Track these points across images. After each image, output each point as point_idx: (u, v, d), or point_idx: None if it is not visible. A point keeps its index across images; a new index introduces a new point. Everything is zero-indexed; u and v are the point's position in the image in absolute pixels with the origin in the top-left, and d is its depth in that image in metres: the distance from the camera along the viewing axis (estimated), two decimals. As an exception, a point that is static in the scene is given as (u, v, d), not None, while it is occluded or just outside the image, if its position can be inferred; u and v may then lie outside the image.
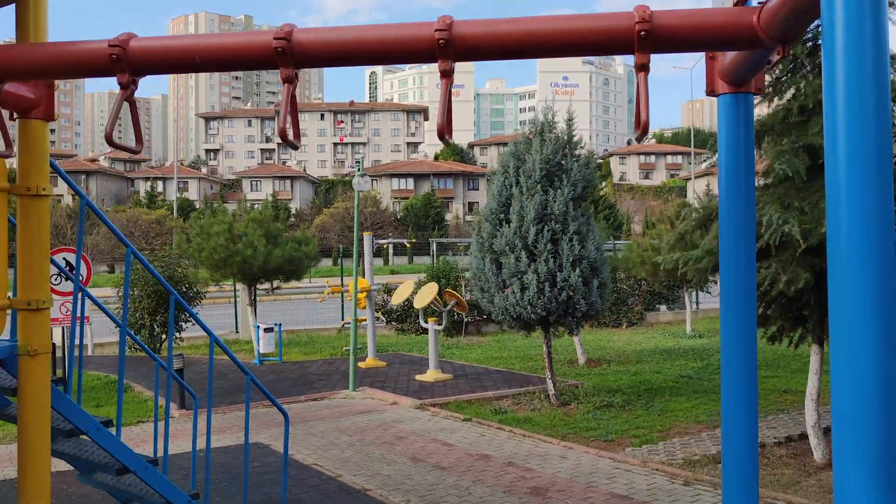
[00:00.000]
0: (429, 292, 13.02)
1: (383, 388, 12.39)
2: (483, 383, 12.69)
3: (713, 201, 7.92)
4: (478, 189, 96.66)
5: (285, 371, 14.83)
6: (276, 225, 17.88)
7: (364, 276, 15.38)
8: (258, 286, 20.59)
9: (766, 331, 8.29)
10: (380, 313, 21.30)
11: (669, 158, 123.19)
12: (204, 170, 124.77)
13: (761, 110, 7.74)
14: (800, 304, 7.35)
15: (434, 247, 32.52)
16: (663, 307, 25.66)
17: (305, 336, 22.30)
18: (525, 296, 10.37)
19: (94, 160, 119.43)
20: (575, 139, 11.10)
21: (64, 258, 11.45)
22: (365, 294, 14.88)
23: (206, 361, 16.63)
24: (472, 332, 22.58)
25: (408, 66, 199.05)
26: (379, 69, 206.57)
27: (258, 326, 15.82)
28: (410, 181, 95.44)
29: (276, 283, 18.59)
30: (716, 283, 21.54)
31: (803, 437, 8.62)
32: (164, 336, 19.20)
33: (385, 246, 24.45)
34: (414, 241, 19.66)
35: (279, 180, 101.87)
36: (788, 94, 7.52)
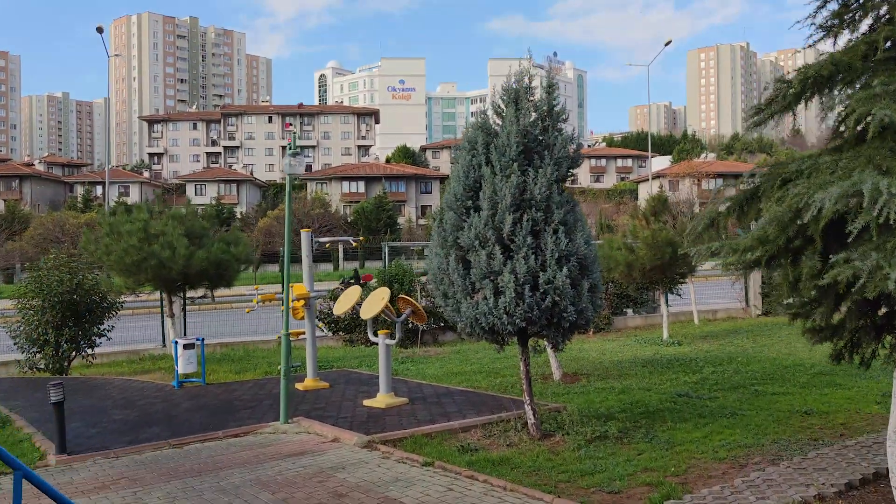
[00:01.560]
0: (379, 299, 10.77)
1: (323, 419, 10.09)
2: (445, 409, 10.48)
3: (758, 175, 5.86)
4: (431, 192, 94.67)
5: (207, 396, 12.41)
6: (200, 223, 15.45)
7: (303, 282, 13.06)
8: (183, 294, 18.12)
9: (834, 344, 6.24)
10: (321, 324, 18.95)
11: (619, 162, 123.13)
12: (146, 174, 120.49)
13: (822, 48, 5.71)
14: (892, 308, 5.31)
15: (386, 250, 30.30)
16: (630, 311, 23.81)
17: (242, 350, 19.81)
18: (500, 302, 8.20)
19: (29, 164, 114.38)
20: (557, 109, 8.99)
21: None
22: (303, 302, 12.55)
23: (122, 383, 14.12)
24: (428, 342, 20.37)
25: (358, 68, 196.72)
26: (328, 71, 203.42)
27: (176, 342, 13.36)
28: (361, 184, 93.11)
29: (202, 291, 16.12)
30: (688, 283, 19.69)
31: (868, 479, 6.63)
32: (72, 354, 16.60)
33: (329, 246, 22.07)
34: (362, 239, 17.38)
35: (225, 184, 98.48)
36: (864, 25, 5.51)
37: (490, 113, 9.14)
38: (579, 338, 20.09)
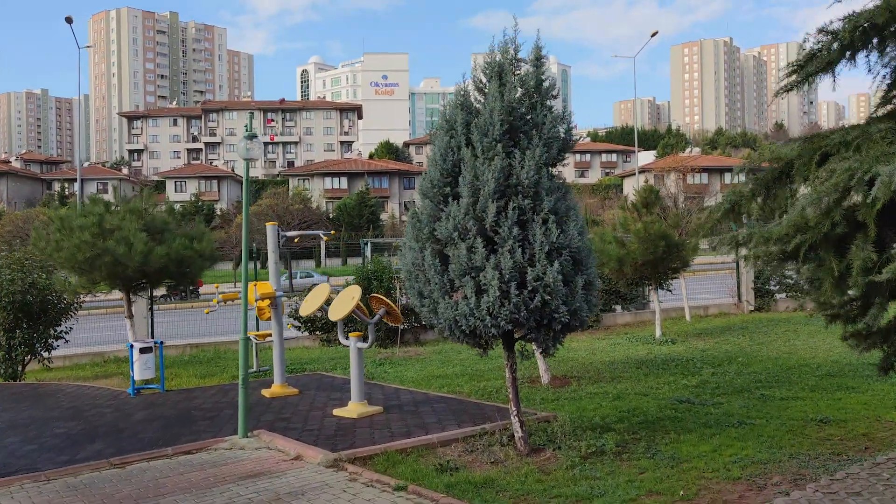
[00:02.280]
0: (349, 299, 9.73)
1: (287, 432, 9.06)
2: (423, 419, 9.47)
3: (789, 148, 4.88)
4: (414, 188, 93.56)
5: (164, 405, 11.34)
6: (161, 217, 14.34)
7: (269, 280, 12.02)
8: (151, 293, 17.00)
9: (885, 352, 5.27)
10: (290, 325, 17.89)
11: (604, 157, 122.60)
12: (126, 170, 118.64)
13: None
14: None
15: (369, 248, 29.19)
16: (619, 307, 22.91)
17: (213, 351, 18.74)
18: (482, 302, 7.21)
19: (6, 161, 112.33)
20: (546, 84, 7.99)
21: None
22: (268, 302, 11.51)
23: (75, 390, 13.03)
24: (409, 342, 19.37)
25: (340, 63, 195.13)
26: (311, 66, 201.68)
27: (131, 346, 12.27)
28: (344, 180, 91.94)
29: (163, 290, 15.02)
30: (679, 278, 18.76)
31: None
32: (27, 357, 15.45)
33: (298, 241, 20.85)
34: (333, 232, 16.26)
35: (205, 181, 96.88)
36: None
37: (471, 89, 8.15)
38: (568, 336, 19.12)
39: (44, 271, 15.34)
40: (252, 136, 8.59)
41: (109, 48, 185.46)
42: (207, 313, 12.17)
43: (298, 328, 19.14)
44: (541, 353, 7.78)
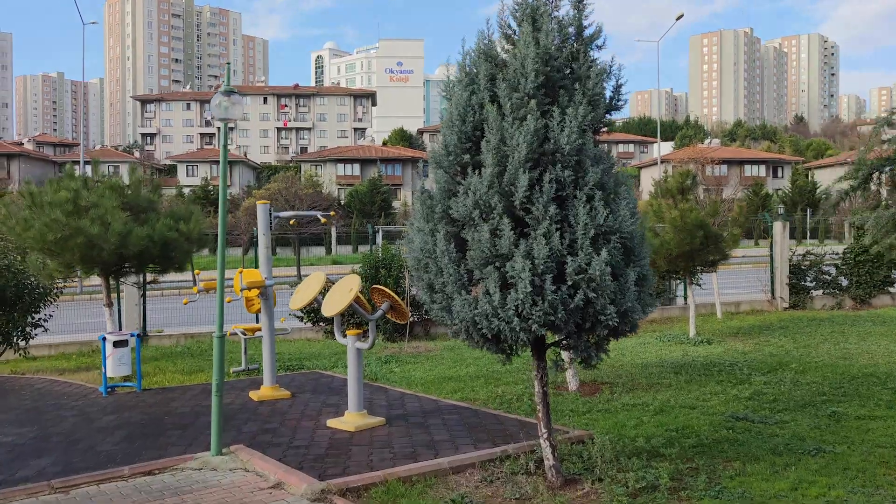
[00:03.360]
0: (346, 291, 8.22)
1: (269, 449, 7.58)
2: (432, 435, 7.98)
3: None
4: (427, 176, 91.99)
5: (135, 408, 9.89)
6: (146, 195, 12.87)
7: (260, 266, 10.55)
8: (143, 278, 15.59)
9: None
10: (295, 313, 16.49)
11: (621, 147, 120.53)
12: (138, 154, 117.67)
13: None
14: None
15: (380, 235, 27.72)
16: (644, 303, 21.26)
17: (207, 342, 17.31)
18: (509, 299, 5.69)
19: (19, 143, 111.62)
20: (590, 30, 6.45)
21: None
22: (256, 292, 10.04)
23: (45, 386, 11.64)
24: (419, 335, 17.88)
25: (355, 49, 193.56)
26: (325, 52, 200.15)
27: (104, 338, 10.84)
28: (356, 167, 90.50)
29: (149, 277, 13.58)
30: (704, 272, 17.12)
31: None
32: (1, 347, 14.06)
33: (293, 222, 19.37)
34: (333, 214, 14.67)
35: (216, 165, 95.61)
36: None
37: (497, 37, 6.60)
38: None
39: (19, 253, 13.96)
40: (229, 92, 7.09)
41: (124, 31, 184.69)
42: (186, 304, 10.76)
43: (300, 318, 17.72)
44: (582, 363, 6.26)
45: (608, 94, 6.45)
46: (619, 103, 6.57)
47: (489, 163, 5.87)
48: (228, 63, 7.10)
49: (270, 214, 10.26)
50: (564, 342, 6.22)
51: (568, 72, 6.34)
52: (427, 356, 14.26)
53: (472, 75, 6.40)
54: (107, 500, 6.33)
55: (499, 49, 6.57)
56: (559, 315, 5.68)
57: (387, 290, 8.33)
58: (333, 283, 8.92)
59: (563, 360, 6.45)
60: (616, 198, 5.97)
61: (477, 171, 5.98)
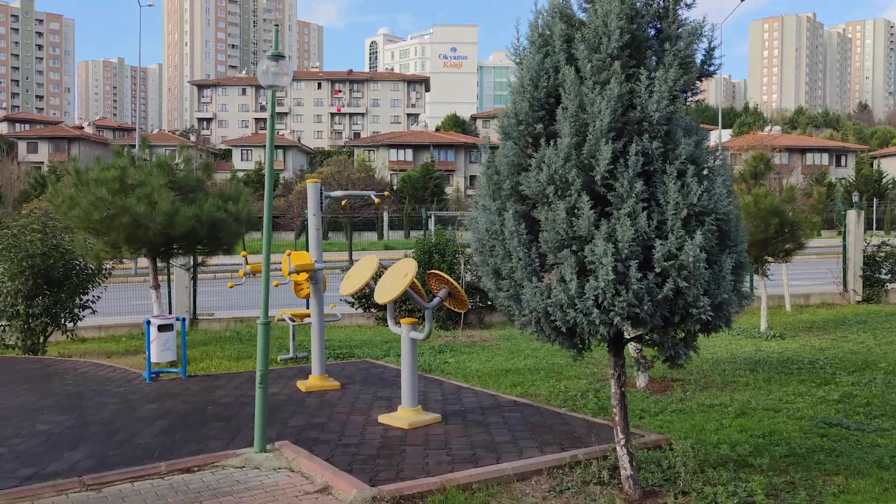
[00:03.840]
0: (400, 276, 7.59)
1: (316, 446, 7.01)
2: (493, 435, 7.31)
3: None
4: (479, 162, 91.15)
5: (178, 396, 9.44)
6: (195, 174, 12.44)
7: (310, 249, 9.99)
8: (193, 259, 15.20)
9: None
10: (346, 298, 15.99)
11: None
12: (194, 138, 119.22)
13: None
14: None
15: (432, 221, 27.14)
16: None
17: (256, 327, 16.93)
18: (587, 287, 4.98)
19: (79, 127, 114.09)
20: (680, -16, 5.65)
21: None
22: (305, 276, 9.48)
23: (89, 370, 11.32)
24: (472, 323, 17.25)
25: (409, 35, 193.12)
26: (379, 38, 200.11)
27: (148, 322, 10.44)
28: (409, 152, 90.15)
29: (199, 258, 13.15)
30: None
31: None
32: (48, 328, 13.83)
33: (345, 203, 18.71)
34: (386, 194, 14.16)
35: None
36: None
37: (573, -3, 5.85)
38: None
39: (68, 233, 13.69)
40: (277, 56, 6.48)
41: (182, 17, 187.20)
42: (231, 287, 10.29)
43: (351, 304, 17.23)
44: (666, 362, 5.52)
45: (699, 57, 5.67)
46: (711, 68, 5.77)
47: (566, 132, 5.15)
48: (277, 25, 6.50)
49: (321, 194, 9.68)
50: (648, 338, 5.48)
51: (654, 32, 5.58)
52: (482, 346, 13.61)
53: (545, 36, 5.67)
54: (140, 500, 5.83)
55: (575, 7, 5.83)
56: (645, 307, 4.95)
57: (445, 275, 7.68)
58: (386, 269, 8.31)
59: (645, 357, 5.70)
60: (714, 173, 5.20)
61: (552, 142, 5.27)
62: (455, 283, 7.65)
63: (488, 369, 11.15)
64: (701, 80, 5.75)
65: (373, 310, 17.74)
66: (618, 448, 5.81)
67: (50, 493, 5.95)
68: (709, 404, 8.65)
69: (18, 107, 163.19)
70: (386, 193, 11.16)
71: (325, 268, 9.95)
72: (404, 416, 7.74)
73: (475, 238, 5.74)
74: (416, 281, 7.86)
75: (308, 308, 14.13)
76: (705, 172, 5.25)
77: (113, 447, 7.16)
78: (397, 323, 7.98)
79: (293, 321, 11.70)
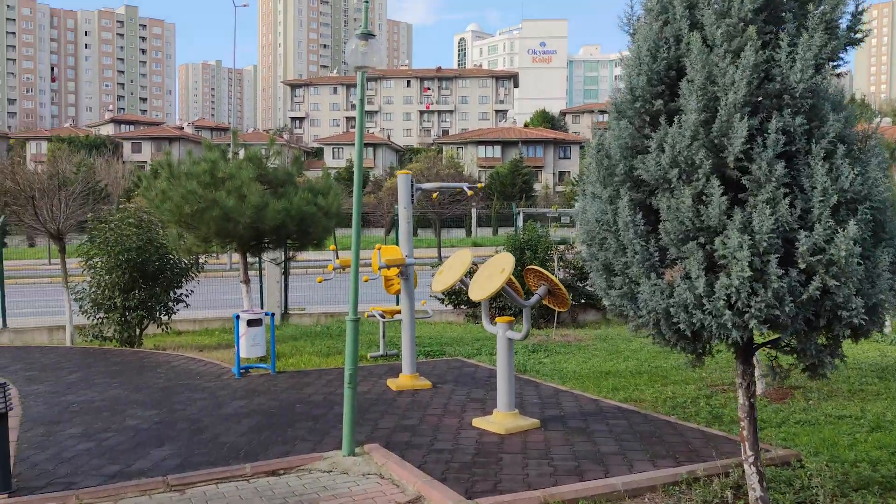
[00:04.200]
0: (497, 272, 7.08)
1: (408, 451, 6.58)
2: (598, 444, 6.72)
3: None
4: (570, 158, 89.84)
5: (267, 393, 9.21)
6: (284, 168, 12.26)
7: (400, 244, 9.60)
8: (285, 253, 15.14)
9: None
10: (436, 295, 15.60)
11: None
12: (286, 137, 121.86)
13: None
14: None
15: (521, 218, 26.59)
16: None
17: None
18: (718, 286, 4.34)
19: (179, 127, 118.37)
20: (823, -61, 4.93)
21: None
22: (396, 271, 9.09)
23: (182, 364, 11.28)
24: (565, 321, 16.60)
25: (498, 31, 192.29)
26: (468, 34, 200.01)
27: (238, 317, 10.27)
28: (497, 149, 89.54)
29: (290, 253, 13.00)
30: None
31: None
32: (144, 321, 13.95)
33: (436, 196, 18.27)
34: (480, 185, 13.63)
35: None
36: None
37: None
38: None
39: (162, 227, 13.78)
40: (367, 35, 6.07)
41: (276, 19, 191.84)
42: (320, 282, 9.99)
43: (441, 300, 16.84)
44: (806, 371, 4.83)
45: (844, 22, 4.93)
46: (858, 35, 5.03)
47: (691, 108, 4.53)
48: (367, 2, 6.09)
49: (412, 186, 9.27)
50: (785, 343, 4.80)
51: (790, -6, 4.88)
52: (578, 346, 12.97)
53: (663, 2, 5.05)
54: (224, 503, 5.51)
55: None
56: (786, 308, 4.28)
57: (544, 271, 7.12)
58: (478, 265, 7.82)
59: (780, 366, 5.00)
60: (867, 155, 4.49)
61: (674, 120, 4.65)
62: (556, 280, 7.09)
63: (586, 371, 10.53)
64: (846, 50, 5.02)
65: (462, 306, 17.30)
66: (745, 466, 5.14)
67: (133, 493, 5.71)
68: (837, 415, 7.81)
69: (124, 109, 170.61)
70: (480, 185, 10.66)
71: (416, 264, 9.53)
72: (500, 420, 7.23)
73: (583, 230, 5.17)
74: (513, 278, 7.34)
75: (398, 304, 13.82)
76: (857, 154, 4.53)
77: (198, 445, 6.92)
78: (492, 321, 7.47)
79: (383, 317, 11.36)
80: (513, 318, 7.38)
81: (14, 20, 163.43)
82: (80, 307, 13.82)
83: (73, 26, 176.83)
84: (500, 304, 14.12)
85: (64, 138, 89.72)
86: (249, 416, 8.02)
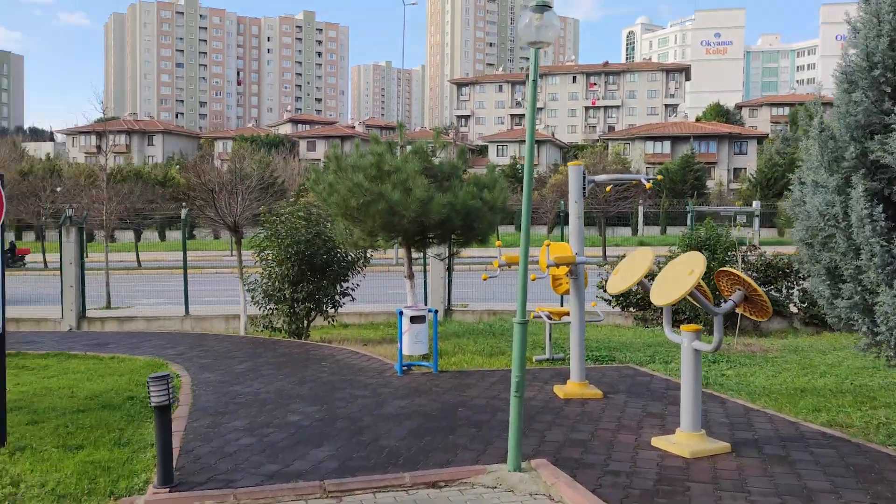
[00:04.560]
0: (684, 274, 6.26)
1: (579, 470, 5.94)
2: (804, 479, 5.77)
3: None
4: (746, 154, 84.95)
5: (428, 393, 8.84)
6: (450, 161, 11.91)
7: (570, 241, 8.94)
8: (449, 249, 14.89)
9: None
10: (603, 295, 14.79)
11: None
12: (452, 135, 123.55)
13: None
14: None
15: (692, 216, 25.05)
16: None
17: (509, 321, 16.30)
18: None
19: (351, 127, 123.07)
20: None
21: None
22: (565, 270, 8.44)
23: (346, 358, 11.22)
24: (747, 329, 15.28)
25: (668, 23, 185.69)
26: (637, 28, 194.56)
27: (401, 313, 10.00)
28: (667, 144, 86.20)
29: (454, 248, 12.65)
30: None
31: None
32: (312, 313, 14.11)
33: (609, 189, 17.10)
34: (660, 177, 12.66)
35: (525, 145, 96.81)
36: None
37: None
38: None
39: (330, 221, 13.88)
40: (542, 6, 5.48)
41: (444, 19, 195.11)
42: (485, 279, 9.52)
43: (609, 302, 16.00)
44: None
45: None
46: None
47: (956, 75, 3.60)
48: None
49: (584, 178, 8.58)
50: None
51: None
52: (764, 357, 11.75)
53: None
54: (379, 517, 5.13)
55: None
56: None
57: (741, 274, 6.22)
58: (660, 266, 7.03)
59: None
60: None
61: (930, 91, 3.74)
62: (755, 285, 6.17)
63: (777, 387, 9.40)
64: None
65: (631, 308, 16.37)
66: None
67: (290, 497, 5.45)
68: None
69: (301, 109, 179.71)
70: (659, 176, 9.78)
71: (587, 262, 8.85)
72: (685, 441, 6.42)
73: (802, 225, 4.33)
74: (702, 282, 6.50)
75: (563, 305, 13.14)
76: None
77: (357, 448, 6.62)
78: (675, 329, 6.67)
79: (550, 319, 10.74)
80: (699, 327, 6.54)
81: (206, 28, 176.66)
82: (252, 298, 14.18)
83: (256, 32, 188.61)
84: (676, 307, 13.11)
85: (247, 137, 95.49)
86: (410, 417, 7.67)
